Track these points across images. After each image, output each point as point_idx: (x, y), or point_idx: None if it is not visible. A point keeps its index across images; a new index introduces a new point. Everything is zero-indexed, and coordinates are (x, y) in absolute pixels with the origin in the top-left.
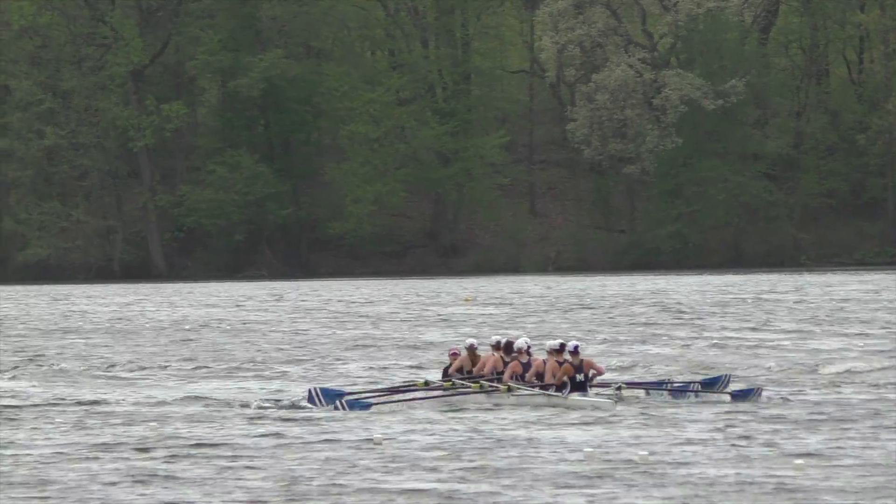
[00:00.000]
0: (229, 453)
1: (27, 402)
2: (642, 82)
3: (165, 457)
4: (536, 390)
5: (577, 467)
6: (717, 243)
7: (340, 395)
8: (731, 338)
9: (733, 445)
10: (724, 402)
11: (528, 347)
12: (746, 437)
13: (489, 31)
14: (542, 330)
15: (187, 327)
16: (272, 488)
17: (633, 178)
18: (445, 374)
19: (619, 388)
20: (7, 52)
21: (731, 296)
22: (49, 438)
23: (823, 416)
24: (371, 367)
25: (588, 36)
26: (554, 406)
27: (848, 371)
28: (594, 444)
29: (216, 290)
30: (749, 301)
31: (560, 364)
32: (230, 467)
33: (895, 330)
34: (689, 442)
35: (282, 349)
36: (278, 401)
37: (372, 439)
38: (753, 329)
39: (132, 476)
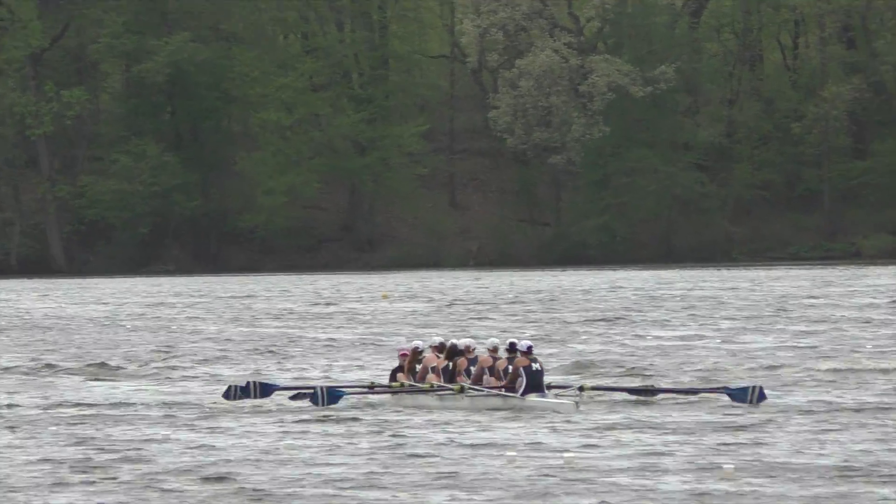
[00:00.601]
0: (147, 454)
1: None
2: (568, 68)
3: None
4: (491, 391)
5: (506, 469)
6: (647, 237)
7: (277, 388)
8: (658, 336)
9: (669, 448)
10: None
11: (474, 348)
12: (680, 443)
13: (408, 13)
14: (464, 327)
15: (91, 322)
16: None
17: (558, 169)
18: (393, 376)
19: (581, 389)
20: None
21: (662, 292)
22: None
23: (755, 419)
24: (294, 367)
25: (511, 19)
26: (510, 408)
27: (783, 369)
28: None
29: (119, 285)
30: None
31: (510, 360)
32: (149, 471)
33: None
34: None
35: (196, 347)
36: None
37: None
38: (680, 326)
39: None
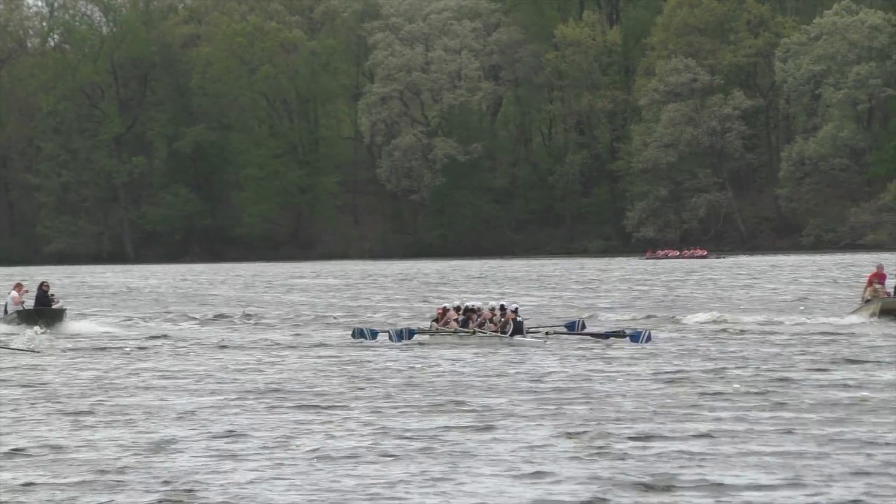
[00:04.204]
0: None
1: None
2: (421, 145)
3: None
4: (492, 333)
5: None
6: (467, 241)
7: (375, 332)
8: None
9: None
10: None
11: (480, 307)
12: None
13: (330, 112)
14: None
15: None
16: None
17: (416, 202)
18: (435, 321)
19: (547, 332)
20: (40, 126)
21: (484, 273)
22: None
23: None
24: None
25: (389, 117)
26: (504, 344)
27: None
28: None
29: (166, 269)
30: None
31: (503, 315)
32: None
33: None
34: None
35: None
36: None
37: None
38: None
39: None
